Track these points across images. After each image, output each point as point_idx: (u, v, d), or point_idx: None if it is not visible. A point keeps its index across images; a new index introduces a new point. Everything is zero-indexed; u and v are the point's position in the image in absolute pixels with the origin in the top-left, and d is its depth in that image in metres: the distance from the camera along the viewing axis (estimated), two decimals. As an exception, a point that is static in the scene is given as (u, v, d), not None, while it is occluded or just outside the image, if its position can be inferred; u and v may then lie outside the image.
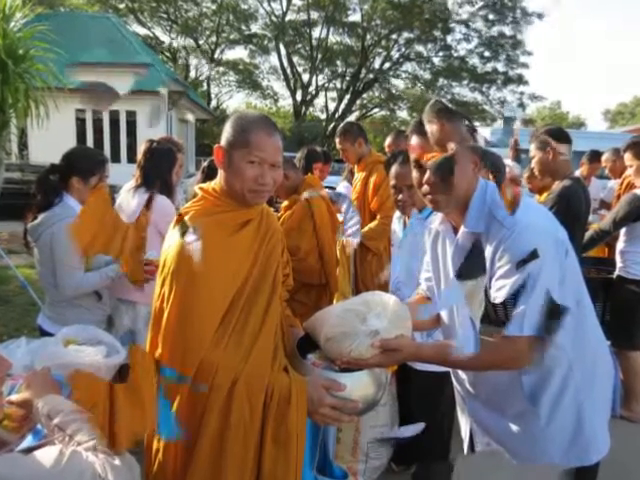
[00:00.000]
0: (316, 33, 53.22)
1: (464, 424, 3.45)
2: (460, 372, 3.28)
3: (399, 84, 55.81)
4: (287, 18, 53.08)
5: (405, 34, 51.61)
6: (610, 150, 9.30)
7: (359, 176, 7.82)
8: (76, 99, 27.25)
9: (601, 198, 9.57)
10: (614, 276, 6.91)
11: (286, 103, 60.27)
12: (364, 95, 57.25)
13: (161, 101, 31.49)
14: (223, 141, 3.06)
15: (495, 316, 6.78)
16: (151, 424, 2.91)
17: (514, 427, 3.06)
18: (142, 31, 53.90)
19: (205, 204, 3.16)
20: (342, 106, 54.59)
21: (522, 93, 54.11)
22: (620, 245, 6.81)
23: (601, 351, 3.18)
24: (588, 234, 6.74)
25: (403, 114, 59.66)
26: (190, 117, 39.35)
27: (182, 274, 2.98)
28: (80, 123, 29.63)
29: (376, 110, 59.73)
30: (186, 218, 3.10)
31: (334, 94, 57.43)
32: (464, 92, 54.64)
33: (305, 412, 2.90)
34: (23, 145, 25.83)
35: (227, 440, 2.88)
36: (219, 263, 2.98)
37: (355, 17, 52.52)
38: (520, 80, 52.90)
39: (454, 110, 5.65)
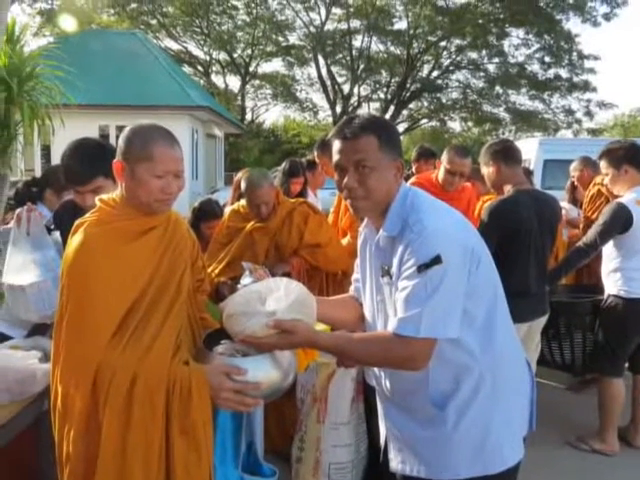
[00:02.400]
0: (357, 43, 53.59)
1: (382, 430, 3.52)
2: (376, 369, 3.39)
3: (450, 93, 55.72)
4: (326, 28, 53.43)
5: (456, 41, 51.71)
6: (578, 159, 8.96)
7: None
8: (100, 115, 27.74)
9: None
10: (605, 298, 6.56)
11: (326, 115, 60.33)
12: (411, 105, 57.28)
13: (194, 122, 31.86)
14: (122, 155, 3.23)
15: (551, 358, 6.82)
16: (207, 469, 3.12)
17: (423, 432, 3.16)
18: (175, 46, 54.67)
19: (101, 214, 3.33)
20: (386, 117, 53.94)
21: (589, 100, 53.30)
22: (612, 264, 6.49)
23: (516, 363, 3.26)
24: (569, 252, 6.81)
25: (455, 125, 59.55)
26: (218, 132, 39.62)
27: (77, 283, 3.15)
28: (104, 139, 29.84)
29: (425, 121, 59.73)
30: (81, 229, 3.27)
31: (377, 105, 57.54)
32: (522, 100, 54.37)
33: (208, 399, 3.06)
34: (47, 162, 26.21)
35: (129, 442, 3.01)
36: (114, 270, 3.14)
37: (399, 25, 52.66)
38: (586, 87, 52.08)
39: (512, 153, 5.80)
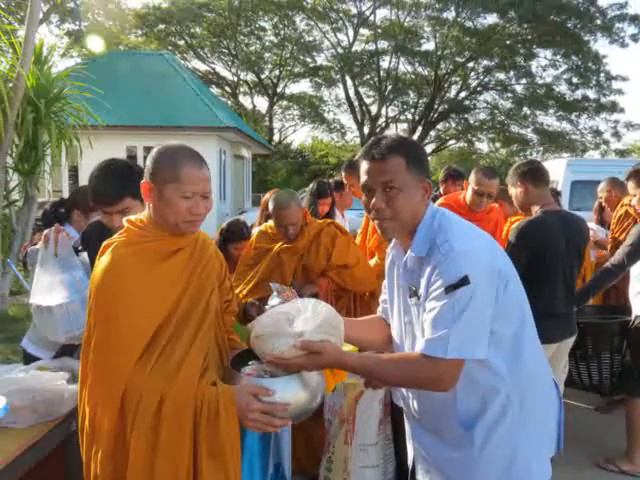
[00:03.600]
0: (385, 64, 53.57)
1: (410, 451, 3.52)
2: (404, 390, 3.38)
3: (478, 114, 55.63)
4: (354, 49, 53.53)
5: (484, 62, 51.70)
6: (606, 179, 8.93)
7: None
8: (127, 136, 27.84)
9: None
10: (633, 319, 6.56)
11: (353, 136, 60.40)
12: (439, 126, 57.27)
13: (222, 142, 31.92)
14: (149, 175, 3.25)
15: (579, 379, 6.79)
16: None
17: (451, 453, 3.16)
18: (203, 67, 55.08)
19: (129, 235, 3.34)
20: (414, 138, 53.57)
21: (617, 121, 53.02)
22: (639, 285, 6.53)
23: (543, 384, 3.25)
24: (597, 273, 6.72)
25: (483, 145, 59.48)
26: (245, 153, 39.70)
27: (104, 304, 3.16)
28: (131, 160, 29.95)
29: (453, 142, 59.78)
30: (109, 250, 3.28)
31: (405, 125, 57.46)
32: (550, 121, 54.11)
33: (236, 420, 3.05)
34: (75, 183, 26.35)
35: (157, 463, 2.99)
36: (142, 291, 3.15)
37: (427, 46, 52.68)
38: (614, 107, 51.71)
39: (539, 173, 5.79)
